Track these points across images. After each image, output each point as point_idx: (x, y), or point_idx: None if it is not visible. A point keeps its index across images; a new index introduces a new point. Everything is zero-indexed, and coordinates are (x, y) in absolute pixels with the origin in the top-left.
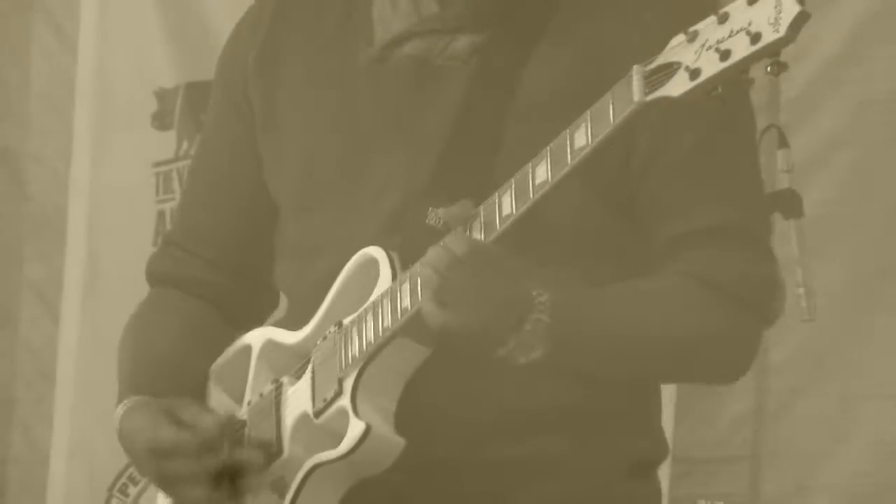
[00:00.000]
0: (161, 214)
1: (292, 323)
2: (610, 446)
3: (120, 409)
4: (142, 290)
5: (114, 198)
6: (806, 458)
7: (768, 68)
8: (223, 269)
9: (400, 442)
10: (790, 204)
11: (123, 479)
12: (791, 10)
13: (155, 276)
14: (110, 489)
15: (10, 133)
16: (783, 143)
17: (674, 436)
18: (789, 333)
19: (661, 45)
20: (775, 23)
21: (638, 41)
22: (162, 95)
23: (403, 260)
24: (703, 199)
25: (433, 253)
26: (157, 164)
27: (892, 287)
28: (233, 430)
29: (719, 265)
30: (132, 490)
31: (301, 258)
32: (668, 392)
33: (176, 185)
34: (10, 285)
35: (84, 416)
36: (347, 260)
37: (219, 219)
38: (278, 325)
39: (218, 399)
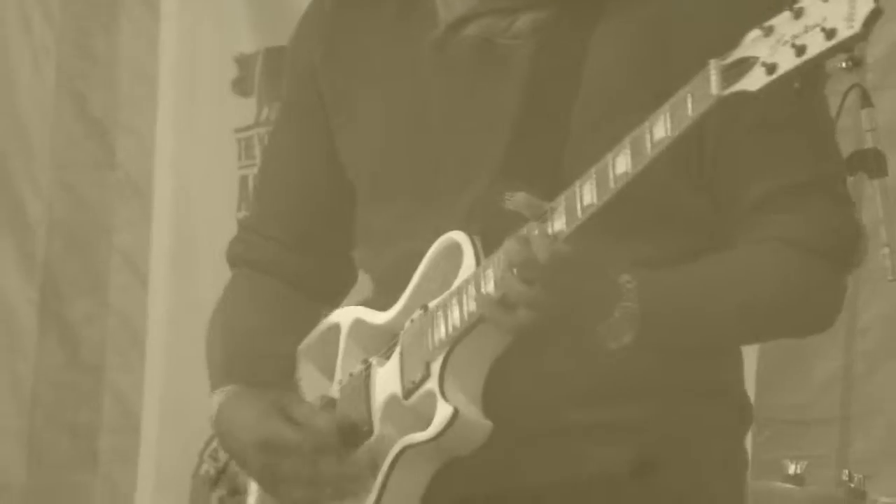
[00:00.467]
0: (244, 180)
1: (377, 304)
2: (691, 412)
3: (219, 397)
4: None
5: (198, 165)
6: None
7: (843, 63)
8: (300, 250)
9: (487, 425)
10: (875, 163)
11: (214, 444)
12: (865, 6)
13: (234, 259)
14: (201, 454)
15: (100, 104)
16: (867, 102)
17: (758, 398)
18: (877, 295)
19: (723, 20)
20: (849, 18)
21: (700, 17)
22: (242, 61)
23: (486, 244)
24: (777, 161)
25: (518, 258)
26: (239, 130)
27: None
28: (328, 408)
29: (799, 223)
30: (223, 455)
31: (383, 243)
32: (750, 356)
33: (257, 150)
34: (101, 253)
35: (174, 383)
36: (429, 244)
37: (292, 202)
38: (365, 305)
39: (309, 376)
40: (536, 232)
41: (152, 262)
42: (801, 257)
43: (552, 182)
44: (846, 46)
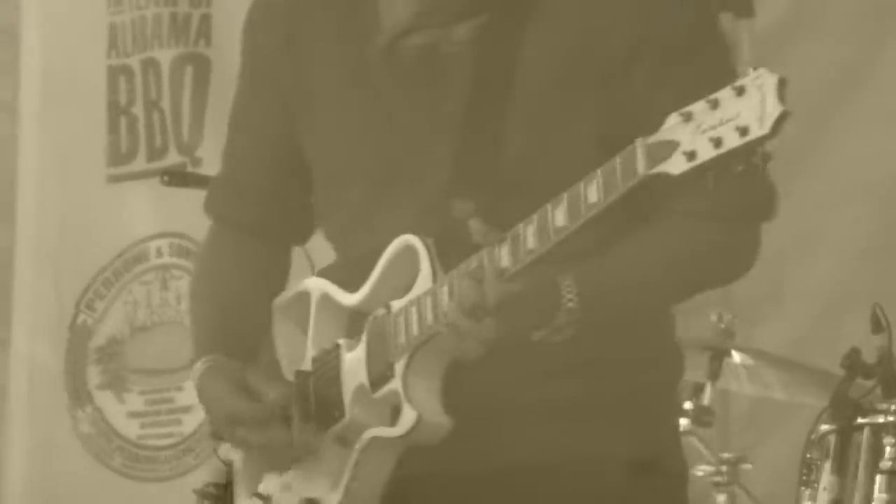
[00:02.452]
0: (112, 26)
1: (340, 278)
2: (632, 380)
3: (199, 367)
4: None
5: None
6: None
7: (754, 160)
8: (271, 206)
9: (448, 423)
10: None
11: (90, 295)
12: (775, 109)
13: (211, 213)
14: (77, 304)
15: None
16: None
17: None
18: None
19: (646, 20)
20: (761, 119)
21: (626, 16)
22: None
23: (439, 248)
24: None
25: (468, 301)
26: None
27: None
28: (302, 382)
29: (716, 198)
30: (99, 304)
31: (344, 229)
32: None
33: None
34: None
35: (46, 243)
36: (387, 240)
37: (261, 163)
38: (328, 275)
39: (285, 331)
40: (486, 276)
41: (21, 110)
42: (717, 227)
43: (496, 184)
44: (758, 144)
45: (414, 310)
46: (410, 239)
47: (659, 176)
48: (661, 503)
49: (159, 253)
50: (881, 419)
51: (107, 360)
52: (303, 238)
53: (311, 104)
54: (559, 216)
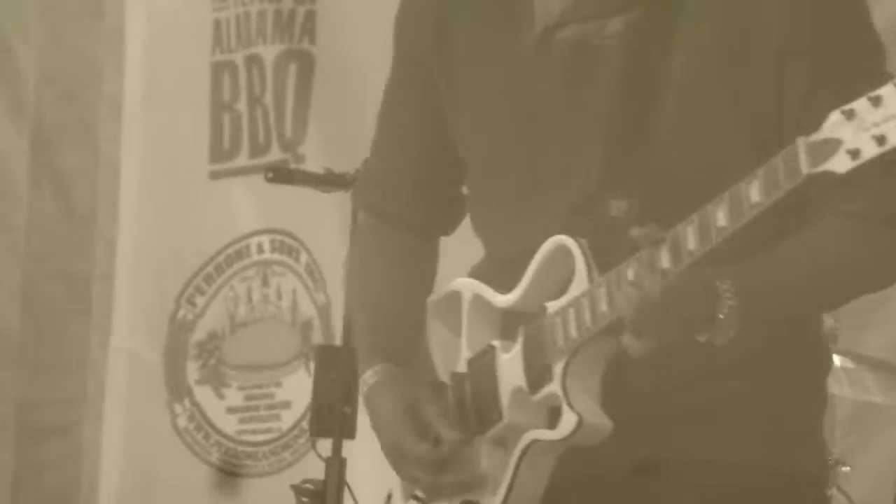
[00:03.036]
0: (217, 23)
1: (491, 278)
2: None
3: (369, 378)
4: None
5: (172, 8)
6: None
7: None
8: (419, 200)
9: (608, 424)
10: None
11: (190, 290)
12: None
13: (359, 204)
14: (177, 299)
15: None
16: None
17: None
18: None
19: (794, 17)
20: None
21: (774, 13)
22: None
23: (594, 249)
24: None
25: (632, 294)
26: None
27: None
28: (458, 384)
29: (873, 197)
30: (199, 300)
31: (497, 227)
32: None
33: None
34: (90, 103)
35: (147, 233)
36: (539, 239)
37: (409, 155)
38: (478, 275)
39: (437, 331)
40: (645, 282)
41: (126, 106)
42: (873, 230)
43: (649, 182)
44: None
45: (572, 311)
46: (564, 239)
47: (824, 174)
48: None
49: (260, 249)
50: None
51: (206, 356)
52: (450, 229)
53: (460, 96)
54: (720, 216)
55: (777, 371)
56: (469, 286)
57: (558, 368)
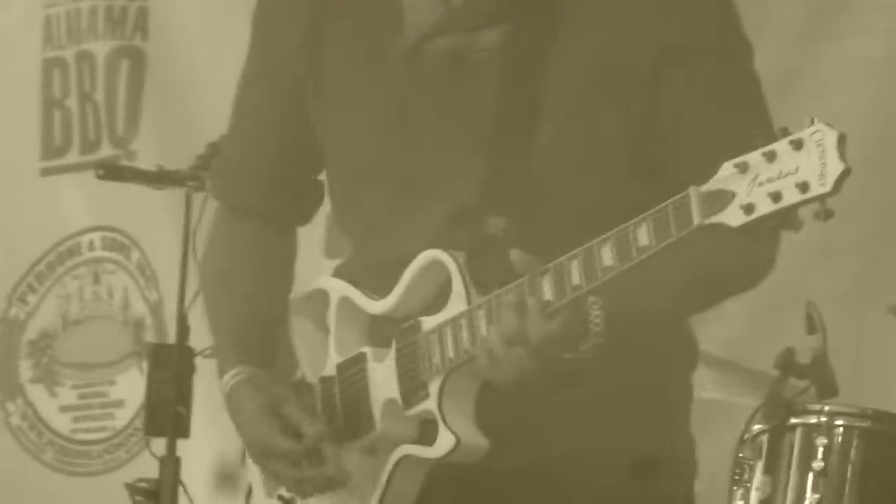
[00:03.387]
0: (47, 19)
1: (359, 281)
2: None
3: (230, 379)
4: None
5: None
6: None
7: (816, 214)
8: (275, 191)
9: (484, 444)
10: None
11: (22, 288)
12: (836, 167)
13: (217, 199)
14: (9, 298)
15: None
16: None
17: None
18: None
19: (670, 28)
20: (821, 176)
21: (650, 25)
22: None
23: (470, 266)
24: (720, 151)
25: (510, 331)
26: None
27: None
28: (328, 389)
29: None
30: (31, 297)
31: (369, 229)
32: None
33: None
34: None
35: None
36: (411, 248)
37: (264, 146)
38: (343, 276)
39: (302, 326)
40: (529, 311)
41: None
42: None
43: (527, 200)
44: (819, 200)
45: (449, 331)
46: (439, 254)
47: (715, 226)
48: (671, 497)
49: (91, 247)
50: (813, 419)
51: (39, 354)
52: (308, 218)
53: (330, 97)
54: (606, 256)
55: (643, 369)
56: (337, 287)
57: (434, 387)
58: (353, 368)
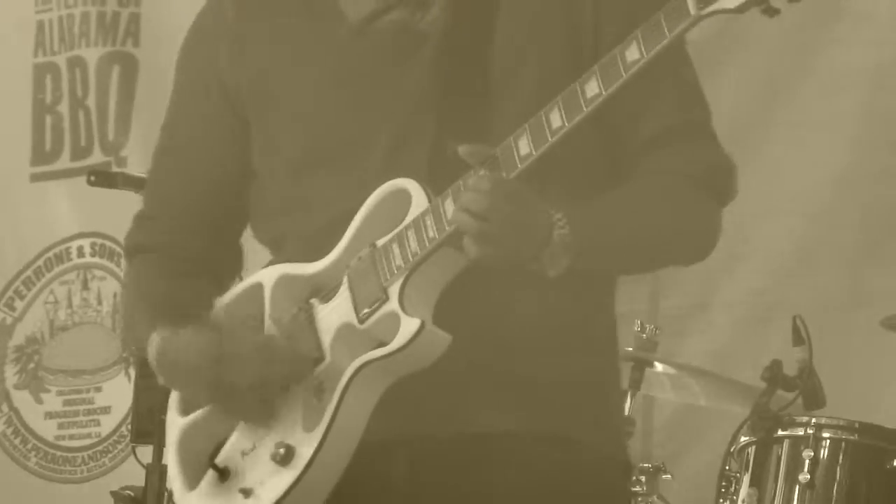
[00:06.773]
0: (40, 25)
1: (294, 258)
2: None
3: (157, 338)
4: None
5: None
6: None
7: (763, 11)
8: (197, 233)
9: (447, 337)
10: None
11: (10, 293)
12: None
13: (133, 248)
14: None
15: None
16: None
17: None
18: None
19: None
20: None
21: None
22: None
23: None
24: (666, 105)
25: (465, 196)
26: None
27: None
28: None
29: (688, 159)
30: (18, 304)
31: (302, 210)
32: None
33: None
34: None
35: None
36: (359, 205)
37: (191, 187)
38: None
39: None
40: (482, 171)
41: None
42: (692, 188)
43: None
44: None
45: (411, 231)
46: (400, 181)
47: (715, 14)
48: (598, 483)
49: (81, 253)
50: (800, 431)
51: (25, 360)
52: (229, 276)
53: (276, 98)
54: (591, 87)
55: (577, 353)
56: (272, 272)
57: (395, 288)
58: (297, 321)
